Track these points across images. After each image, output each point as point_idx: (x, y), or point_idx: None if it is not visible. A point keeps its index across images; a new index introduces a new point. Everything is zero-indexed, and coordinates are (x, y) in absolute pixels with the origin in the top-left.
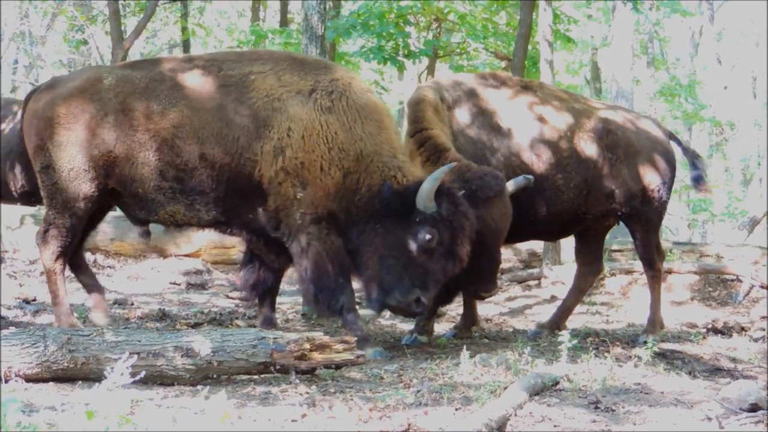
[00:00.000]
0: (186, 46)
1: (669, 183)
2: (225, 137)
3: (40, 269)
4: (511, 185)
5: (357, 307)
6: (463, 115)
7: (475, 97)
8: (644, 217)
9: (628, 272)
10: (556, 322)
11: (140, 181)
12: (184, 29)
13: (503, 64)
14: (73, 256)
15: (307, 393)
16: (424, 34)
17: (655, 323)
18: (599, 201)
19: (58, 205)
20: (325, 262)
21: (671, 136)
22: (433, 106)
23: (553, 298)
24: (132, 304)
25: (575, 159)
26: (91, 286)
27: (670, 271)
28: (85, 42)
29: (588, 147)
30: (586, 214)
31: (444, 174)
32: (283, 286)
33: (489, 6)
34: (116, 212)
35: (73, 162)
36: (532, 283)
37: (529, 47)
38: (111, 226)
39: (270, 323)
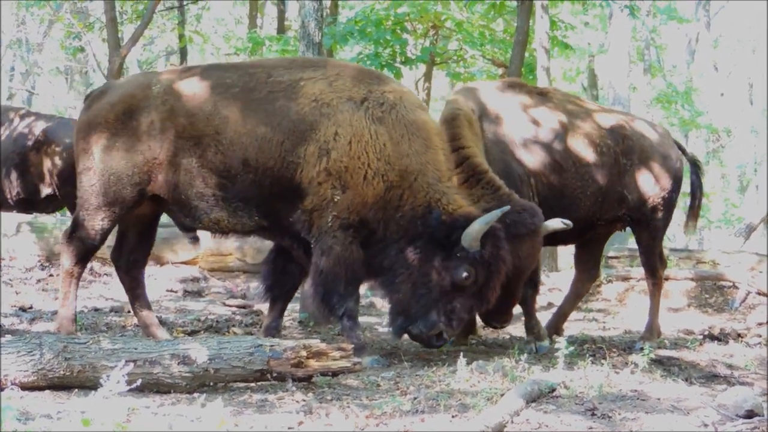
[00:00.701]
0: (183, 53)
1: (677, 190)
2: (269, 141)
3: (37, 277)
4: (546, 225)
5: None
6: (490, 125)
7: (501, 106)
8: (652, 223)
9: (625, 279)
10: (553, 328)
11: (183, 187)
12: (181, 36)
13: (500, 71)
14: (133, 283)
15: (304, 400)
16: (421, 41)
17: (652, 330)
18: (612, 207)
19: (91, 208)
20: (341, 268)
21: (677, 145)
22: (468, 120)
23: (550, 305)
24: (128, 311)
25: (593, 165)
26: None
27: (666, 278)
28: (82, 49)
29: (604, 153)
30: (600, 221)
31: (497, 219)
32: None
33: (486, 13)
34: None
35: (116, 166)
36: None
37: (526, 54)
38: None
39: (273, 331)
